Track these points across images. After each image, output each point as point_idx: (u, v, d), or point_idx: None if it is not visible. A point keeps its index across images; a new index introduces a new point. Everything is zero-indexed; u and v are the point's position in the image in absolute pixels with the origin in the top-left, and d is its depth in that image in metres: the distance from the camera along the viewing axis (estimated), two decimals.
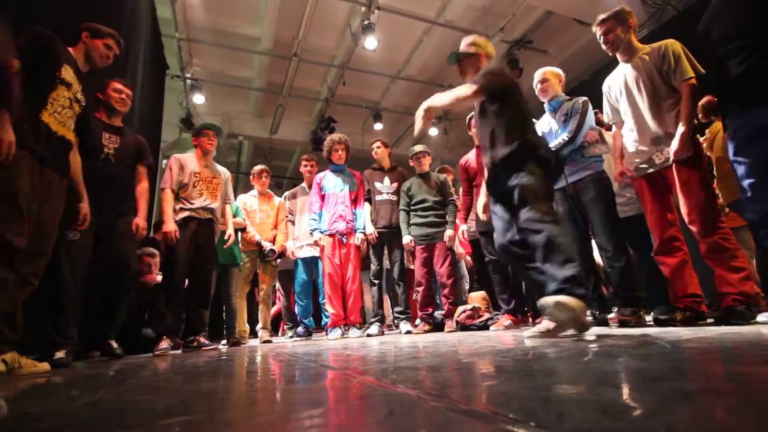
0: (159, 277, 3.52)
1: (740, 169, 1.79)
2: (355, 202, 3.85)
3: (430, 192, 3.68)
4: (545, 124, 2.85)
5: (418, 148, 3.81)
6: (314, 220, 3.80)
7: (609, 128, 2.77)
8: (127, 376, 1.44)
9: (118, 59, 2.90)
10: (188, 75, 6.59)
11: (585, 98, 2.70)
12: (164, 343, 2.79)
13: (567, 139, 2.61)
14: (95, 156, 2.49)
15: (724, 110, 1.91)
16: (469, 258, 4.31)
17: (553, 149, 2.66)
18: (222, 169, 3.46)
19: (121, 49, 2.35)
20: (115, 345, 2.56)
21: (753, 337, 1.23)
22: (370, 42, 5.61)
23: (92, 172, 2.41)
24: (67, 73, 2.02)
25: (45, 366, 1.84)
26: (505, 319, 3.16)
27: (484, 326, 3.33)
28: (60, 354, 2.10)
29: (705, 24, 1.94)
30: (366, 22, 5.48)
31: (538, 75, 2.83)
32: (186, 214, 3.07)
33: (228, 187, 3.48)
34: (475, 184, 3.30)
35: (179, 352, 2.97)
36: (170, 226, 2.95)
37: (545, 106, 2.84)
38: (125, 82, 2.72)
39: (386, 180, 3.90)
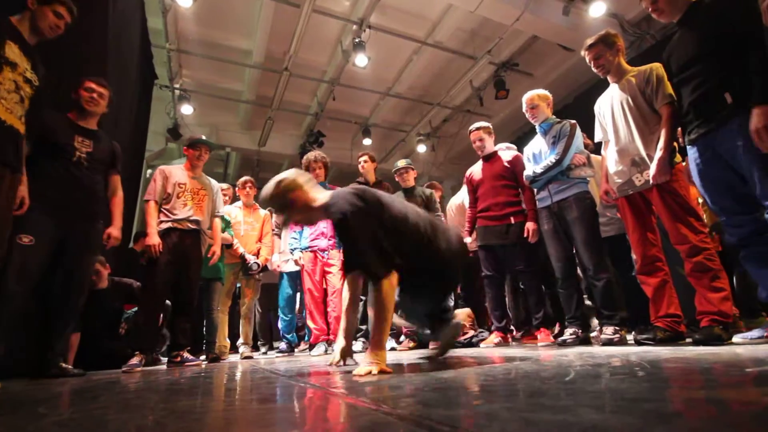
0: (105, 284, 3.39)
1: (707, 196, 1.86)
2: None
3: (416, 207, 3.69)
4: (536, 146, 2.91)
5: (402, 163, 3.82)
6: (294, 239, 3.76)
7: (594, 151, 2.85)
8: (99, 393, 1.38)
9: (101, 62, 2.80)
10: (177, 85, 6.57)
11: (573, 121, 2.77)
12: (135, 359, 2.69)
13: (554, 161, 2.67)
14: (65, 158, 2.31)
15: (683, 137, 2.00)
16: None
17: (540, 170, 2.72)
18: (212, 182, 3.38)
19: (73, 17, 2.07)
20: (68, 366, 2.30)
21: (729, 357, 1.26)
22: (361, 59, 5.69)
23: (60, 174, 2.27)
24: (12, 50, 1.79)
25: None
26: (495, 336, 3.14)
27: (469, 343, 3.32)
28: None
29: (666, 54, 2.04)
30: (357, 40, 5.57)
31: (526, 100, 2.89)
32: (168, 225, 2.98)
33: (218, 200, 3.39)
34: (477, 196, 3.30)
35: (164, 367, 2.90)
36: (153, 239, 2.86)
37: (536, 128, 2.90)
38: (100, 81, 2.50)
39: None
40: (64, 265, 2.31)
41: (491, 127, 3.40)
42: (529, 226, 2.92)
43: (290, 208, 1.78)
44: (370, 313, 1.62)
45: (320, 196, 1.81)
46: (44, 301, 2.32)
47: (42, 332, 2.30)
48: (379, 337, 1.57)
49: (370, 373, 1.38)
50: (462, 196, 4.27)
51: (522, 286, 3.44)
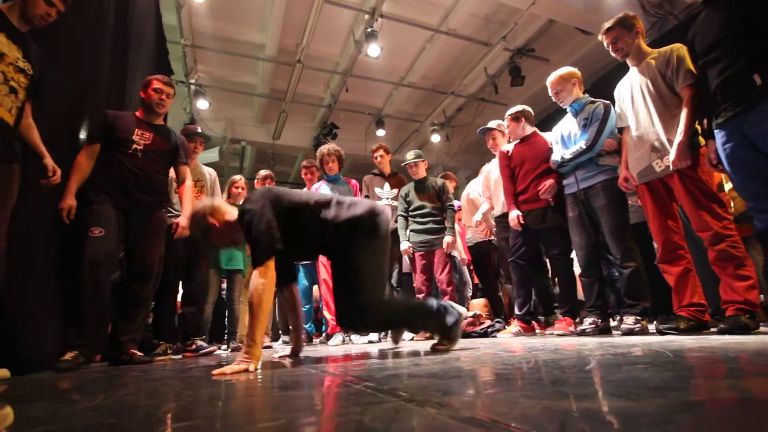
0: None
1: (736, 180, 1.80)
2: None
3: (429, 198, 3.68)
4: (566, 127, 2.80)
5: (410, 156, 3.78)
6: None
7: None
8: (127, 381, 1.44)
9: (122, 62, 2.86)
10: (192, 81, 6.65)
11: (607, 102, 2.61)
12: (159, 349, 2.81)
13: (585, 148, 2.56)
14: (122, 151, 2.41)
15: (709, 121, 1.93)
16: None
17: (569, 155, 2.63)
18: (207, 170, 3.46)
19: (67, 5, 1.98)
20: (138, 353, 2.37)
21: (756, 346, 1.23)
22: (373, 49, 5.64)
23: (118, 166, 2.38)
24: None
25: (3, 372, 1.71)
26: (515, 326, 3.10)
27: (485, 333, 3.31)
28: (69, 356, 2.03)
29: (691, 35, 1.96)
30: (369, 30, 5.52)
31: (550, 84, 2.78)
32: (172, 220, 3.01)
33: (215, 188, 3.45)
34: (517, 173, 3.10)
35: (179, 357, 2.99)
36: None
37: (567, 108, 2.77)
38: (167, 80, 2.60)
39: (386, 186, 3.90)
40: (129, 255, 2.43)
41: (520, 110, 3.18)
42: (548, 181, 2.82)
43: (211, 233, 1.82)
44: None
45: (233, 211, 1.85)
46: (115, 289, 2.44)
47: (113, 318, 2.41)
48: (252, 334, 1.56)
49: (232, 372, 1.42)
50: (473, 188, 4.24)
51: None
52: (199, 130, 3.51)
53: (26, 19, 1.89)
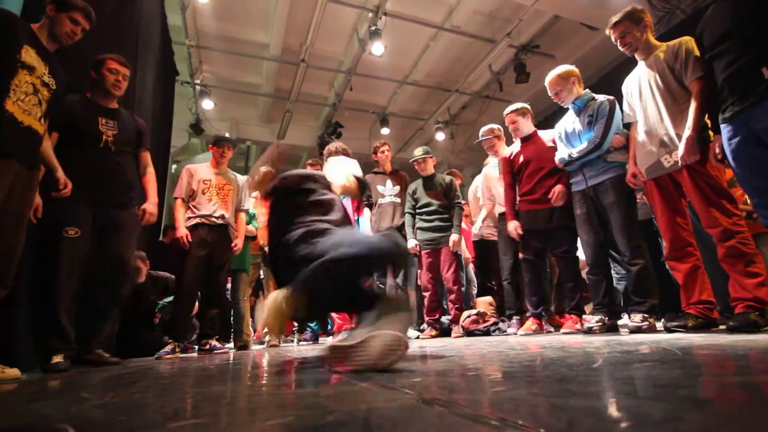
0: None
1: (740, 176, 1.79)
2: (357, 209, 3.87)
3: (436, 195, 3.67)
4: (569, 124, 2.76)
5: (419, 152, 3.78)
6: None
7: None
8: (136, 379, 1.45)
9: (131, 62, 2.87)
10: (198, 81, 6.68)
11: (611, 98, 2.58)
12: (168, 348, 2.85)
13: (593, 146, 2.52)
14: (93, 144, 2.28)
15: (716, 115, 1.91)
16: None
17: (576, 154, 2.61)
18: (237, 177, 3.50)
19: (91, 23, 2.08)
20: (105, 354, 2.26)
21: (766, 344, 1.21)
22: (377, 48, 5.63)
23: (90, 161, 2.25)
24: (29, 55, 1.81)
25: (14, 371, 1.69)
26: (533, 323, 3.05)
27: (487, 332, 3.30)
28: (57, 358, 1.97)
29: (699, 29, 1.94)
30: (373, 28, 5.52)
31: (548, 85, 2.77)
32: (196, 221, 3.11)
33: (243, 193, 3.49)
34: (520, 178, 3.12)
35: (195, 355, 3.05)
36: (181, 231, 3.01)
37: (570, 105, 2.74)
38: (122, 60, 2.43)
39: (388, 183, 3.90)
40: (105, 253, 2.33)
41: (526, 107, 3.21)
42: (557, 188, 2.81)
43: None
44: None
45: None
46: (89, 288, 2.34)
47: (86, 317, 2.30)
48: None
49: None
50: (476, 185, 4.24)
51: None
52: (227, 135, 3.55)
53: (54, 38, 1.99)
